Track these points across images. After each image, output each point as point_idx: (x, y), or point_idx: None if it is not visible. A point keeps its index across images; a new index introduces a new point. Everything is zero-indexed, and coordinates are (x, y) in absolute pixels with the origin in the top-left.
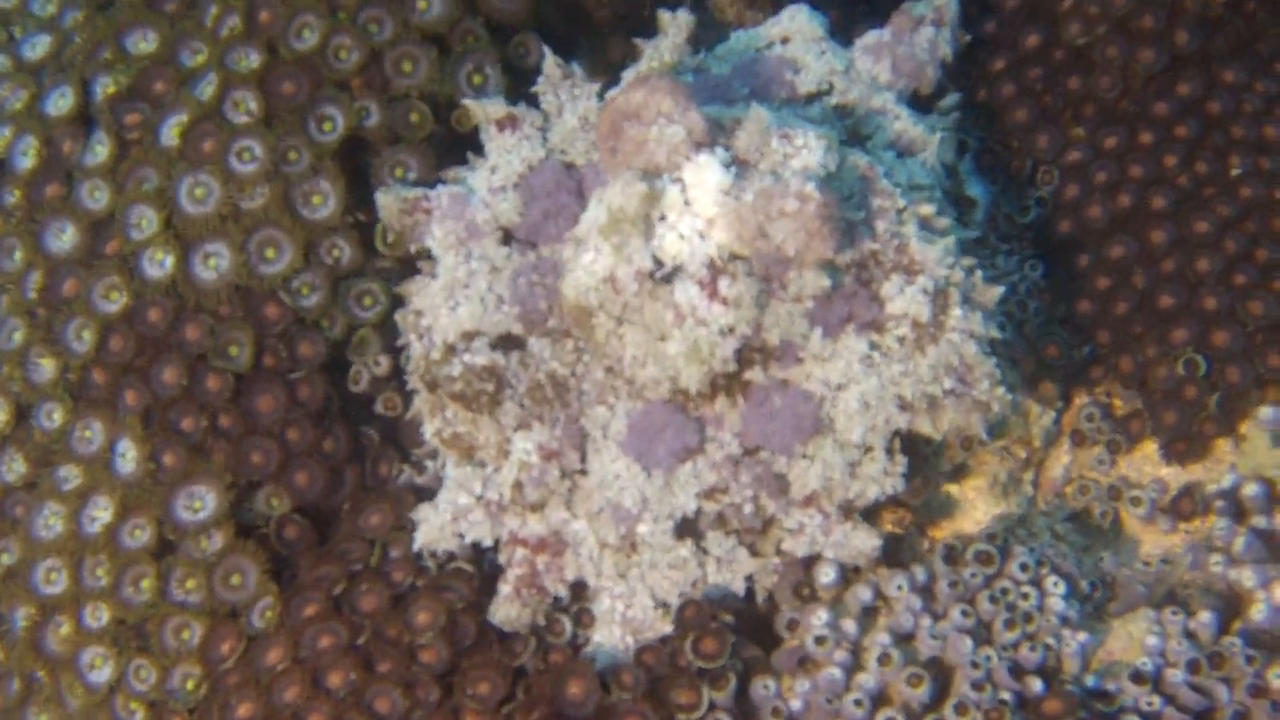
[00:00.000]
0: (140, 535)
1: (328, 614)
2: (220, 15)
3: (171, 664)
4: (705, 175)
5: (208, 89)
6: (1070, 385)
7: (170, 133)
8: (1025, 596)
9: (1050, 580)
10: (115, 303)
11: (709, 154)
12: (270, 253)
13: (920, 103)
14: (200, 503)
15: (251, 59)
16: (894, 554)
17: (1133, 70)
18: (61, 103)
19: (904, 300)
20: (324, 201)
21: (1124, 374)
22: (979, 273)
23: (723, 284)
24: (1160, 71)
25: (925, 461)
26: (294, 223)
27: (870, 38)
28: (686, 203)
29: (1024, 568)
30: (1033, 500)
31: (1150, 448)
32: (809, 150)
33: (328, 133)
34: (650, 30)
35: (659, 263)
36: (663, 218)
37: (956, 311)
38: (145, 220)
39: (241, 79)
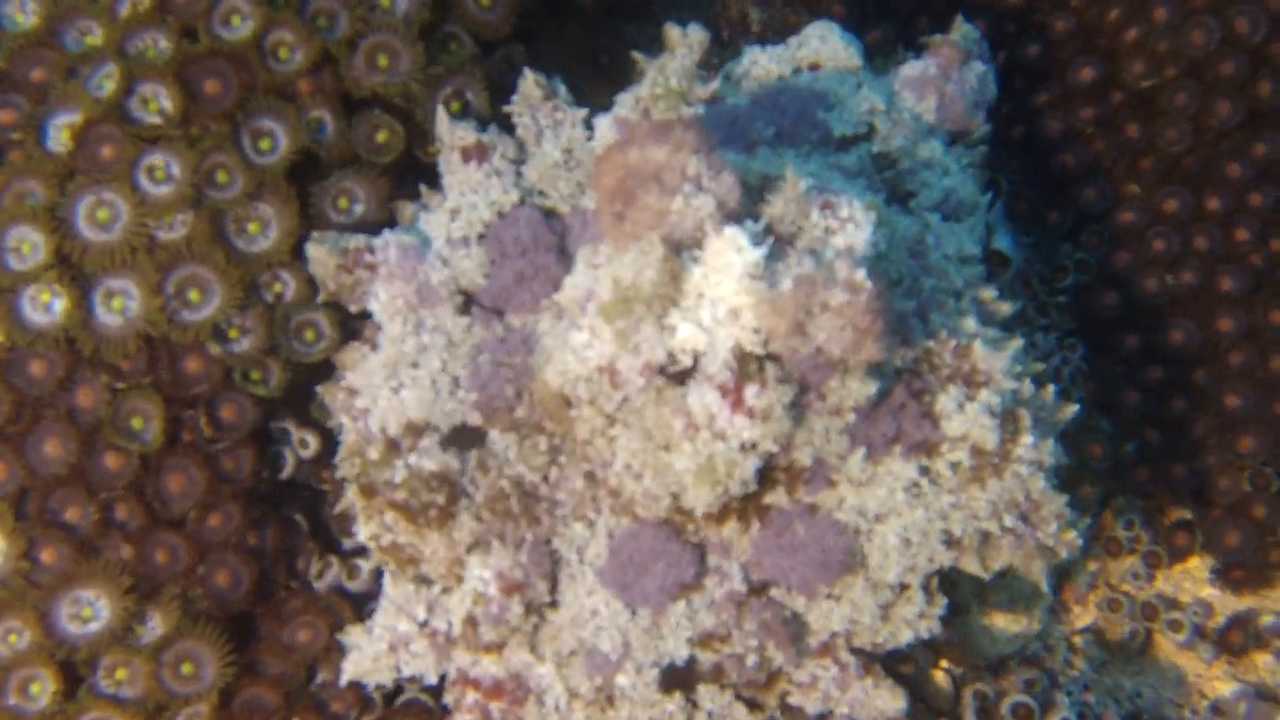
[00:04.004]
0: (17, 641)
1: None
2: None
3: None
4: (731, 255)
5: (106, 81)
6: (1109, 486)
7: (59, 135)
8: None
9: None
10: None
11: (736, 227)
12: (194, 295)
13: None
14: (90, 610)
15: (161, 46)
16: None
17: (1205, 123)
18: None
19: (964, 420)
20: (263, 230)
21: (1176, 481)
22: (1051, 387)
23: (749, 392)
24: (1235, 127)
25: (954, 586)
26: (226, 258)
27: (914, 69)
28: (706, 286)
29: None
30: (1052, 610)
31: (1193, 561)
32: (855, 225)
33: (266, 153)
34: (646, 17)
35: (670, 357)
36: (673, 304)
37: (1028, 439)
38: (27, 245)
39: (153, 71)
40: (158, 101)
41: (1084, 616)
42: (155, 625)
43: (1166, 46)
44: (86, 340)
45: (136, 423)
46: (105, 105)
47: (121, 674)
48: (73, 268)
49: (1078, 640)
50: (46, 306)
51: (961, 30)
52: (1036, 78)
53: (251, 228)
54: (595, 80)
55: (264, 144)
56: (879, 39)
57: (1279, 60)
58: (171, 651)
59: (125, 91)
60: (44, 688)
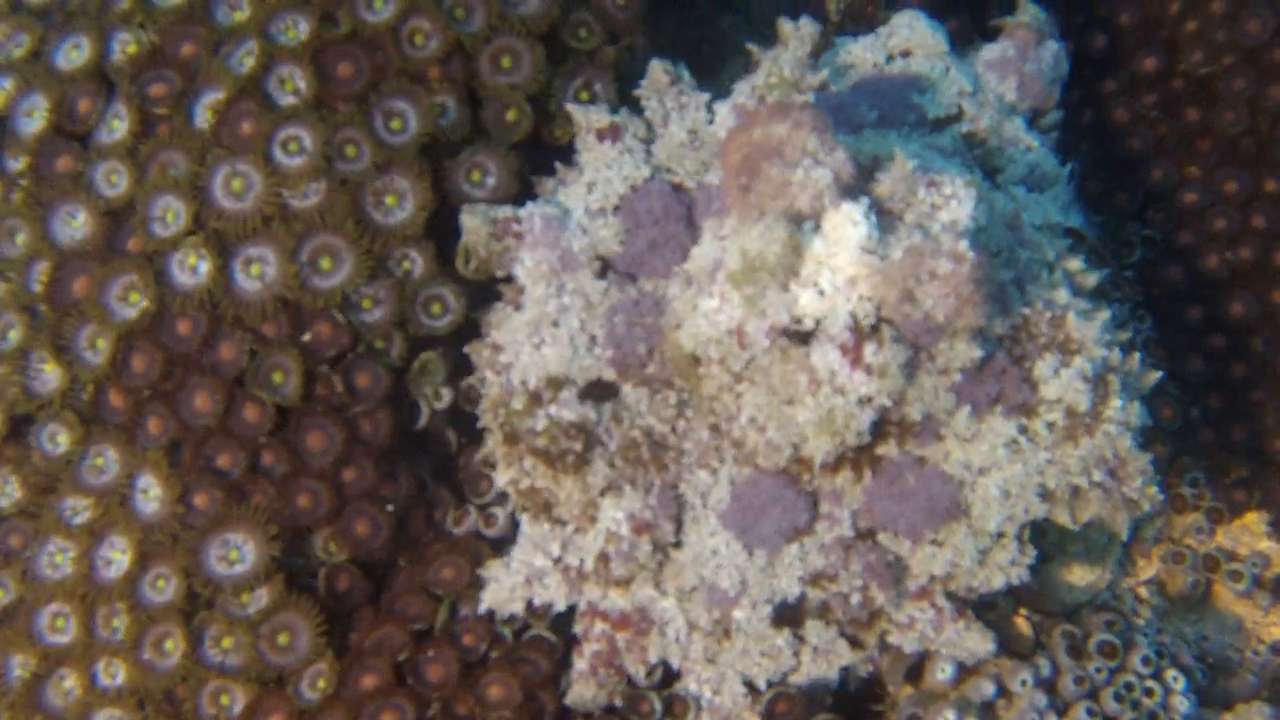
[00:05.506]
0: (165, 588)
1: (390, 687)
2: None
3: None
4: (848, 229)
5: (247, 59)
6: (1177, 447)
7: (205, 113)
8: (1150, 693)
9: (1170, 674)
10: (134, 306)
11: (852, 203)
12: (326, 263)
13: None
14: (237, 553)
15: (301, 28)
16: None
17: (1261, 107)
18: (75, 55)
19: (1060, 385)
20: (399, 203)
21: (1236, 442)
22: (1137, 354)
23: (868, 350)
24: None
25: (1040, 537)
26: (357, 228)
27: (994, 52)
28: (825, 256)
29: (1146, 661)
30: (1122, 564)
31: (1251, 517)
32: (958, 201)
33: (397, 132)
34: (736, 10)
35: (793, 319)
36: (795, 273)
37: (1117, 402)
38: (171, 213)
39: (290, 53)
40: (294, 82)
41: (1148, 569)
42: (262, 596)
43: (1224, 36)
44: (227, 305)
45: (277, 377)
46: (244, 81)
47: (228, 643)
48: (218, 234)
49: (1143, 591)
50: (194, 269)
51: (1030, 10)
52: (1104, 66)
53: (389, 200)
54: (697, 69)
55: (395, 124)
56: (956, 27)
57: None
58: (269, 624)
59: (264, 69)
60: (176, 646)
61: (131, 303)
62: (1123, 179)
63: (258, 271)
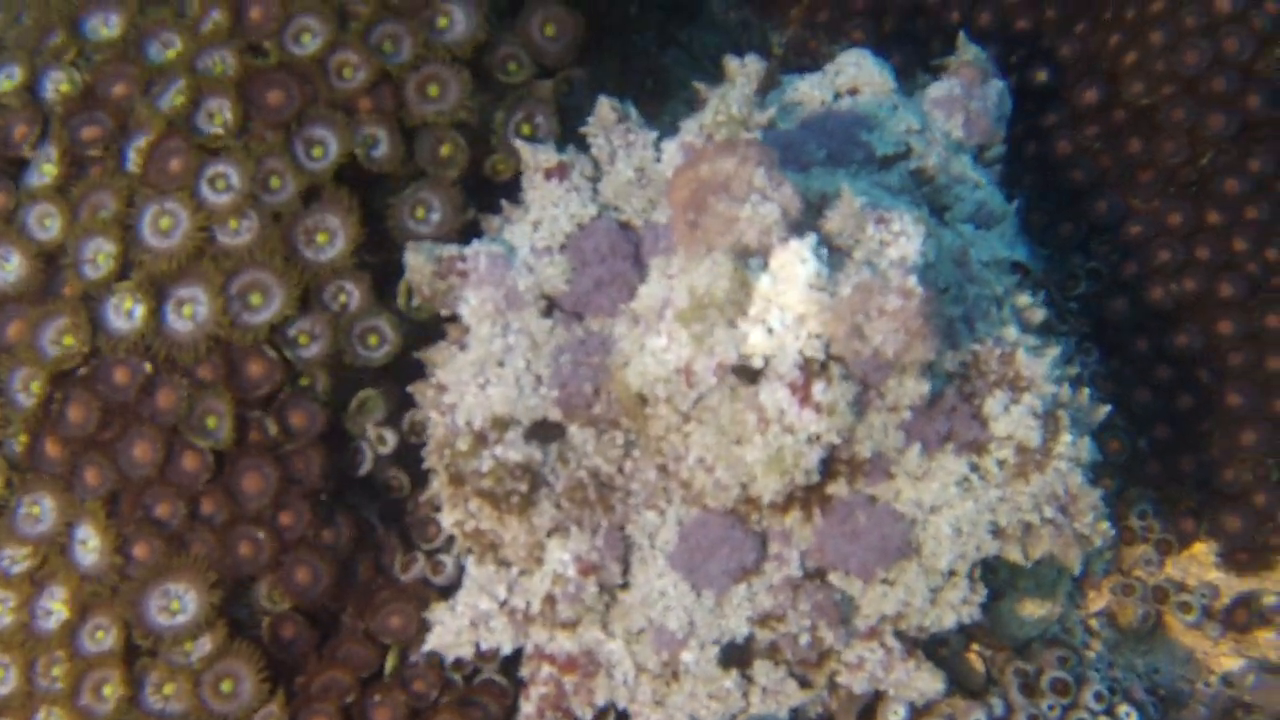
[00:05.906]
0: (104, 639)
1: None
2: (205, 7)
3: None
4: (796, 266)
5: (178, 98)
6: (1124, 478)
7: (137, 158)
8: None
9: (1123, 710)
10: (67, 348)
11: (800, 240)
12: (255, 298)
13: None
14: (178, 603)
15: (228, 62)
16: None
17: (1199, 136)
18: (7, 84)
19: (1010, 422)
20: (330, 240)
21: (1184, 473)
22: (1086, 389)
23: (817, 388)
24: (1230, 139)
25: (992, 573)
26: (285, 263)
27: (941, 90)
28: (774, 294)
29: (1099, 697)
30: (1072, 596)
31: (1199, 547)
32: (907, 238)
33: (318, 159)
34: (679, 45)
35: (742, 357)
36: (744, 310)
37: (1067, 438)
38: (103, 255)
39: (219, 85)
40: (223, 115)
41: (1098, 601)
42: (206, 643)
43: (1163, 67)
44: (160, 346)
45: (211, 421)
46: (172, 116)
47: (169, 689)
48: (152, 278)
49: (1094, 623)
50: (129, 314)
51: (971, 50)
52: (1046, 99)
53: (320, 238)
54: (641, 103)
55: (316, 151)
56: (900, 63)
57: (1266, 75)
58: (212, 671)
59: (193, 104)
60: (115, 691)
61: (65, 346)
62: (1067, 211)
63: (189, 312)
